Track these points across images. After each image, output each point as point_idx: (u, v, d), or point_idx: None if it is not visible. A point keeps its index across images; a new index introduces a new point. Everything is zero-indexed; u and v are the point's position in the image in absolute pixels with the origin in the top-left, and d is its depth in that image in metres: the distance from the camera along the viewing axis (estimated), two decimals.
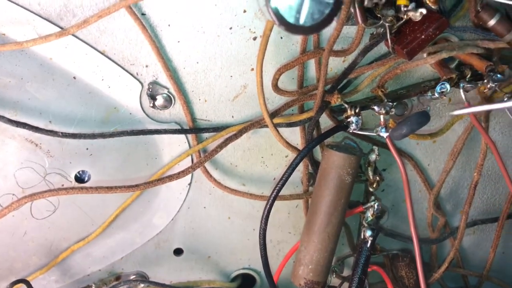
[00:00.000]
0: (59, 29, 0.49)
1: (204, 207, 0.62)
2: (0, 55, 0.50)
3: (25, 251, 0.59)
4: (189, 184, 0.60)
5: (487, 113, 0.59)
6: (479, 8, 0.52)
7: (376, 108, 0.54)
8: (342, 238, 0.57)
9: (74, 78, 0.52)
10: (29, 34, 0.49)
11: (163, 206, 0.61)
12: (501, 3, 0.50)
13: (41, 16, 0.49)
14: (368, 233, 0.57)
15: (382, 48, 0.55)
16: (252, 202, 0.63)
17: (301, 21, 0.39)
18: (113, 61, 0.52)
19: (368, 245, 0.57)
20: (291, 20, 0.39)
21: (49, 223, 0.58)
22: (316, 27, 0.39)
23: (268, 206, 0.51)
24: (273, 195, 0.50)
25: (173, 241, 0.64)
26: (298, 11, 0.39)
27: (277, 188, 0.50)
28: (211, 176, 0.59)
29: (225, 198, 0.62)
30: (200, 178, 0.60)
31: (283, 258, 0.62)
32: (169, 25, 0.51)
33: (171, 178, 0.52)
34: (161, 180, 0.52)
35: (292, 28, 0.39)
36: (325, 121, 0.58)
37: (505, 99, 0.56)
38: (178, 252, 0.65)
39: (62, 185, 0.56)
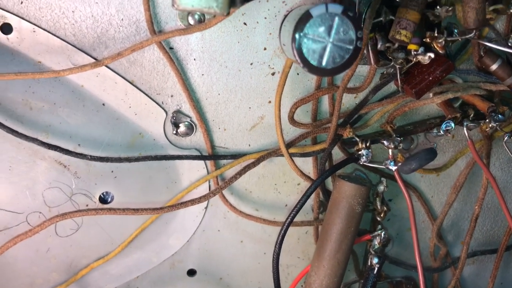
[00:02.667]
0: (91, 59, 0.53)
1: (219, 230, 0.65)
2: (37, 81, 0.53)
3: (46, 267, 0.62)
4: (205, 208, 0.63)
5: (488, 150, 0.62)
6: (482, 53, 0.56)
7: (385, 142, 0.57)
8: (348, 264, 0.60)
9: (103, 104, 0.56)
10: (63, 63, 0.52)
11: (180, 228, 0.64)
12: (502, 50, 0.54)
13: (75, 46, 0.52)
14: (375, 260, 0.60)
15: (391, 87, 0.59)
16: (264, 227, 0.66)
17: (323, 64, 0.43)
18: (140, 90, 0.55)
19: (375, 272, 0.60)
20: (314, 62, 0.43)
21: (71, 241, 0.61)
22: (337, 70, 0.43)
23: (282, 232, 0.54)
24: (287, 222, 0.53)
25: (188, 262, 0.67)
26: (321, 55, 0.43)
27: (291, 215, 0.53)
28: (227, 201, 0.62)
29: (238, 222, 0.65)
30: (216, 202, 0.63)
31: (292, 282, 0.64)
32: (194, 59, 0.55)
33: (193, 202, 0.55)
34: (184, 203, 0.55)
35: (314, 70, 0.43)
36: (337, 153, 0.61)
37: (505, 138, 0.60)
38: (191, 273, 0.68)
39: (87, 205, 0.59)
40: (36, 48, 0.51)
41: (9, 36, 0.50)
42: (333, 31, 0.42)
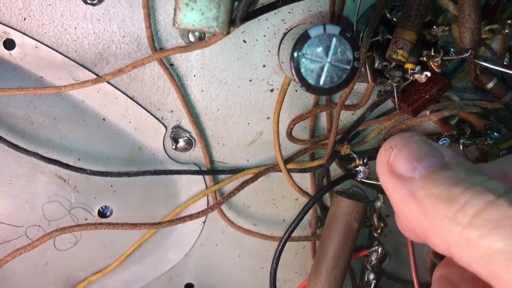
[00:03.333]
0: (93, 75, 0.53)
1: (216, 245, 0.66)
2: (38, 96, 0.54)
3: (44, 280, 0.62)
4: (203, 222, 0.63)
5: None
6: (478, 72, 0.57)
7: None
8: (345, 280, 0.60)
9: (104, 119, 0.56)
10: (64, 78, 0.53)
11: (178, 242, 0.64)
12: (498, 69, 0.55)
13: (77, 62, 0.53)
14: (372, 276, 0.60)
15: (389, 104, 0.60)
16: (262, 242, 0.66)
17: (321, 83, 0.44)
18: (141, 105, 0.56)
19: (372, 287, 0.60)
20: (311, 82, 0.44)
21: (70, 254, 0.61)
22: (334, 89, 0.44)
23: (280, 247, 0.54)
24: (285, 237, 0.54)
25: (185, 276, 0.67)
26: (319, 75, 0.43)
27: (289, 230, 0.54)
28: (225, 215, 0.63)
29: (236, 237, 0.65)
30: (214, 217, 0.63)
31: None
32: (194, 76, 0.55)
33: (191, 217, 0.55)
34: (182, 218, 0.55)
35: (312, 89, 0.44)
36: (334, 169, 0.62)
37: (501, 156, 0.60)
38: (189, 287, 0.68)
39: (86, 219, 0.60)
40: (38, 63, 0.52)
41: (11, 51, 0.51)
42: (331, 52, 0.43)
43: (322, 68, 0.43)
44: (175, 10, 0.40)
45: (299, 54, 0.43)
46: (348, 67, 0.43)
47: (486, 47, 0.55)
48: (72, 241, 0.60)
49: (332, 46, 0.43)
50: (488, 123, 0.58)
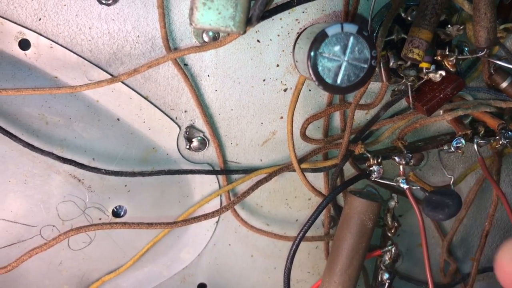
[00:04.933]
0: (107, 75, 0.53)
1: (229, 245, 0.66)
2: (53, 96, 0.54)
3: (58, 280, 0.62)
4: (216, 222, 0.63)
5: (498, 167, 0.63)
6: (492, 71, 0.57)
7: (396, 158, 0.58)
8: (359, 280, 0.60)
9: (118, 119, 0.56)
10: (79, 78, 0.53)
11: (191, 241, 0.64)
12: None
13: (91, 62, 0.53)
14: (386, 276, 0.60)
15: (402, 103, 0.59)
16: (275, 242, 0.66)
17: (338, 82, 0.44)
18: (155, 105, 0.56)
19: (385, 287, 0.60)
20: (329, 80, 0.44)
21: (84, 254, 0.61)
22: (351, 88, 0.44)
23: (294, 246, 0.54)
24: (299, 236, 0.54)
25: (198, 276, 0.67)
26: (336, 74, 0.43)
27: (304, 229, 0.54)
28: (238, 215, 0.62)
29: (249, 237, 0.65)
30: (227, 217, 0.63)
31: None
32: (208, 76, 0.55)
33: (206, 217, 0.55)
34: (197, 218, 0.55)
35: (329, 87, 0.44)
36: (348, 169, 0.62)
37: None
38: (202, 287, 0.68)
39: (100, 219, 0.60)
40: (53, 63, 0.52)
41: (26, 51, 0.51)
42: (348, 50, 0.43)
43: (339, 67, 0.43)
44: (192, 9, 0.40)
45: (317, 53, 0.43)
46: (366, 66, 0.43)
47: (500, 46, 0.55)
48: (86, 241, 0.60)
49: (350, 45, 0.43)
50: (502, 123, 0.57)
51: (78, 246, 0.61)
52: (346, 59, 0.43)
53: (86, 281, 0.63)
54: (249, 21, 0.42)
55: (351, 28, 0.42)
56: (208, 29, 0.42)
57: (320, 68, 0.43)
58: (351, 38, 0.43)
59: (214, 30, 0.41)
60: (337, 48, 0.43)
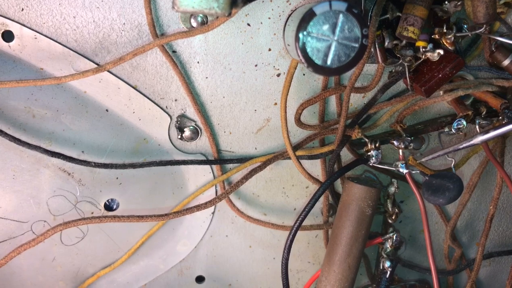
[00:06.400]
0: (94, 65, 0.52)
1: (226, 236, 0.64)
2: (39, 88, 0.53)
3: (52, 276, 0.61)
4: (213, 213, 0.62)
5: (502, 148, 0.60)
6: (493, 49, 0.55)
7: (395, 142, 0.56)
8: (360, 268, 0.59)
9: (107, 110, 0.55)
10: (65, 69, 0.52)
11: (187, 234, 0.63)
12: None
13: (77, 52, 0.52)
14: (387, 264, 0.59)
15: (400, 85, 0.57)
16: (273, 232, 0.65)
17: (328, 63, 0.42)
18: (144, 95, 0.55)
19: (387, 275, 0.58)
20: (318, 62, 0.42)
21: (77, 249, 0.60)
22: (342, 69, 0.42)
23: (291, 236, 0.52)
24: (296, 226, 0.52)
25: (196, 269, 0.66)
26: (326, 54, 0.41)
27: (300, 219, 0.52)
28: (234, 205, 0.61)
29: (246, 227, 0.64)
30: (223, 208, 0.62)
31: (303, 287, 0.63)
32: (198, 62, 0.54)
33: (198, 208, 0.54)
34: (189, 209, 0.54)
35: (319, 69, 0.42)
36: (345, 154, 0.60)
37: None
38: (200, 279, 0.67)
39: (92, 213, 0.58)
40: (38, 55, 0.51)
41: (10, 43, 0.50)
42: (338, 29, 0.41)
43: (329, 47, 0.41)
44: None
45: (305, 33, 0.41)
46: (357, 45, 0.41)
47: (501, 22, 0.53)
48: (79, 236, 0.59)
49: (339, 23, 0.41)
50: (505, 102, 0.55)
51: (71, 241, 0.59)
52: (335, 38, 0.41)
53: (82, 277, 0.62)
54: (234, 3, 0.41)
55: (340, 5, 0.40)
56: (191, 12, 0.40)
57: (309, 49, 0.41)
58: (340, 16, 0.41)
59: (197, 12, 0.40)
60: (326, 27, 0.41)
